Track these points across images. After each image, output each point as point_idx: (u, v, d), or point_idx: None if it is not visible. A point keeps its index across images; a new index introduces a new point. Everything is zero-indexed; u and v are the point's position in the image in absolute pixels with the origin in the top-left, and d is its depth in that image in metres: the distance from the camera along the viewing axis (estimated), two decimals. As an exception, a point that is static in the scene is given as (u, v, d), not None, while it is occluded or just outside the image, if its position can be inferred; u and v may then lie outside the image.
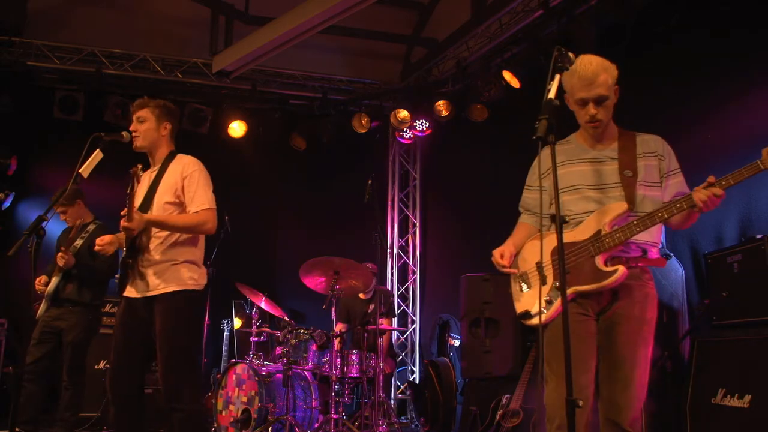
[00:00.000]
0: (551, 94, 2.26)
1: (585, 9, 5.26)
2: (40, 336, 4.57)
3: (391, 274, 7.97)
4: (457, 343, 6.07)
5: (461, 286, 5.54)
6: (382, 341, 5.33)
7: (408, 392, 7.12)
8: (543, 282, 2.61)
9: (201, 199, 3.21)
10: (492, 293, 5.28)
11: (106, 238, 3.24)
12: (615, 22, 5.03)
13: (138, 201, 3.24)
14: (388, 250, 7.96)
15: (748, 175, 2.31)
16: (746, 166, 2.31)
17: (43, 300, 4.63)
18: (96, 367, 5.71)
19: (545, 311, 2.55)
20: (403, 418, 7.01)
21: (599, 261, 2.48)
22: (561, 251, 2.18)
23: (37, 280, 4.64)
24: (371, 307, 5.85)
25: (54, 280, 4.60)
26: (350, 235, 7.00)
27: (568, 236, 2.55)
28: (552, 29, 5.51)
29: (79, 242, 4.63)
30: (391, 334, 6.29)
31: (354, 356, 5.07)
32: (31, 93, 6.50)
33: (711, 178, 2.34)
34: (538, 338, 4.71)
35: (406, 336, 7.78)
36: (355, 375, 5.03)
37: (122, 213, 3.04)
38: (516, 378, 4.75)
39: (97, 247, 3.24)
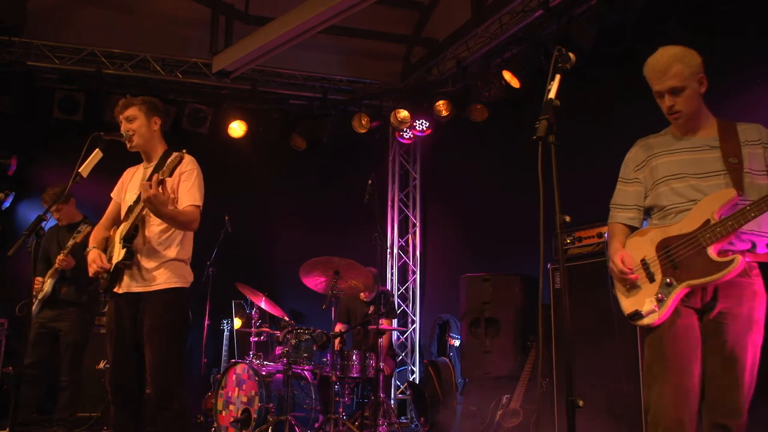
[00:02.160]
0: (551, 94, 2.26)
1: (585, 9, 5.26)
2: (36, 338, 4.57)
3: (391, 274, 7.96)
4: (457, 343, 6.07)
5: (461, 286, 5.54)
6: (382, 341, 5.33)
7: (408, 392, 7.12)
8: (651, 279, 2.50)
9: (194, 196, 3.20)
10: (492, 293, 5.28)
11: (95, 258, 3.18)
12: (615, 22, 5.03)
13: (133, 195, 3.25)
14: (388, 250, 7.96)
15: None
16: None
17: (36, 301, 4.61)
18: (96, 367, 5.71)
19: (657, 310, 2.43)
20: (403, 418, 7.01)
21: (712, 252, 2.37)
22: (561, 253, 2.17)
23: (36, 280, 4.64)
24: (372, 308, 5.85)
25: (50, 282, 4.59)
26: (350, 235, 7.00)
27: (674, 228, 2.48)
28: (552, 29, 5.51)
29: (71, 243, 4.63)
30: (392, 334, 6.29)
31: (354, 356, 5.07)
32: (31, 93, 6.49)
33: None
34: (538, 338, 4.72)
35: (406, 336, 7.78)
36: (355, 375, 5.03)
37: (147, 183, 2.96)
38: (516, 378, 4.76)
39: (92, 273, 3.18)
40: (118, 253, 3.17)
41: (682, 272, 2.41)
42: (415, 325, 7.85)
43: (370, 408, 4.90)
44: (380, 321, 5.18)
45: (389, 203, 8.08)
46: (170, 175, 3.00)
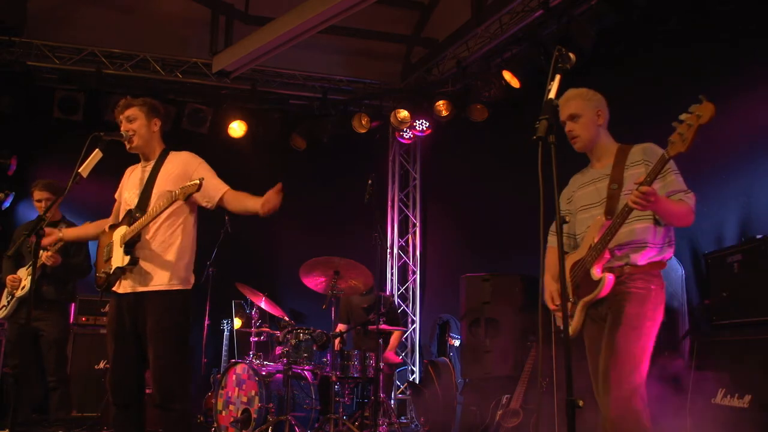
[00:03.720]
0: (551, 94, 2.27)
1: (585, 9, 5.26)
2: (18, 338, 4.55)
3: (391, 274, 7.97)
4: (457, 343, 6.07)
5: (461, 286, 5.54)
6: (382, 341, 5.32)
7: (408, 392, 7.12)
8: (567, 299, 2.77)
9: (222, 183, 3.34)
10: (492, 293, 5.28)
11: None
12: (615, 22, 5.04)
13: (132, 194, 3.27)
14: (388, 250, 7.96)
15: (660, 167, 2.45)
16: (658, 160, 2.46)
17: (13, 300, 4.59)
18: (96, 367, 5.71)
19: (570, 325, 2.79)
20: (403, 418, 7.01)
21: (594, 272, 2.71)
22: (561, 253, 2.18)
23: (11, 278, 4.60)
24: (372, 315, 5.84)
25: (29, 280, 4.54)
26: (350, 235, 7.00)
27: (576, 255, 2.84)
28: (552, 29, 5.51)
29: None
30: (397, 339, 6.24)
31: (354, 356, 5.07)
32: (31, 93, 6.49)
33: (639, 179, 2.51)
34: (538, 338, 4.72)
35: (406, 336, 7.78)
36: (355, 375, 5.03)
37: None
38: (516, 378, 4.75)
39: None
40: (121, 258, 3.17)
41: (580, 291, 2.78)
42: (415, 325, 7.85)
43: (370, 408, 4.90)
44: (382, 325, 5.18)
45: (389, 203, 8.08)
46: (185, 199, 3.05)
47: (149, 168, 3.31)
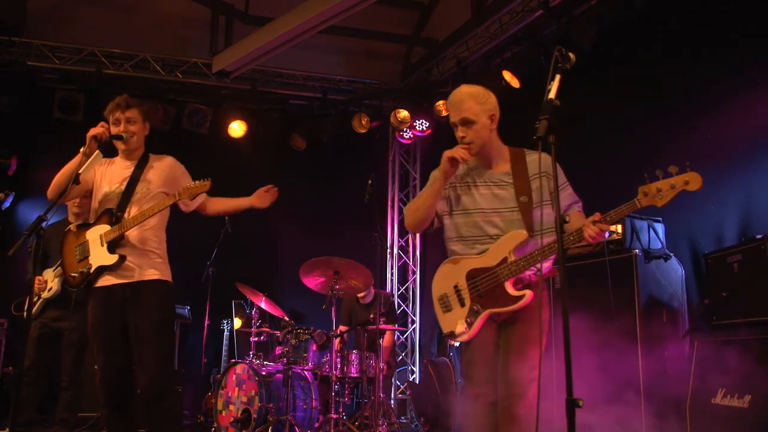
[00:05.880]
0: (551, 94, 2.26)
1: (585, 9, 5.27)
2: (40, 338, 4.54)
3: (391, 274, 7.96)
4: (457, 343, 6.06)
5: (461, 286, 5.53)
6: (382, 341, 5.32)
7: (408, 392, 7.12)
8: (462, 304, 2.82)
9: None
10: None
11: None
12: (615, 22, 5.04)
13: (113, 191, 3.26)
14: (388, 250, 7.96)
15: (627, 211, 2.46)
16: (626, 204, 2.45)
17: (40, 300, 4.58)
18: (96, 367, 5.69)
19: (467, 332, 2.79)
20: (403, 418, 7.01)
21: (509, 286, 2.70)
22: (561, 253, 2.18)
23: (37, 279, 4.61)
24: (373, 314, 5.85)
25: (57, 281, 4.56)
26: (350, 235, 7.00)
27: (478, 261, 2.80)
28: (552, 29, 5.51)
29: None
30: (393, 337, 6.26)
31: (354, 356, 5.07)
32: (31, 93, 6.50)
33: (597, 215, 2.51)
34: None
35: (406, 336, 7.78)
36: (355, 375, 5.03)
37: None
38: (516, 378, 4.75)
39: None
40: (105, 257, 3.17)
41: (486, 300, 2.75)
42: (415, 325, 7.84)
43: (370, 408, 4.90)
44: (381, 322, 5.18)
45: (389, 203, 8.08)
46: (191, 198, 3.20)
47: (131, 169, 3.31)
